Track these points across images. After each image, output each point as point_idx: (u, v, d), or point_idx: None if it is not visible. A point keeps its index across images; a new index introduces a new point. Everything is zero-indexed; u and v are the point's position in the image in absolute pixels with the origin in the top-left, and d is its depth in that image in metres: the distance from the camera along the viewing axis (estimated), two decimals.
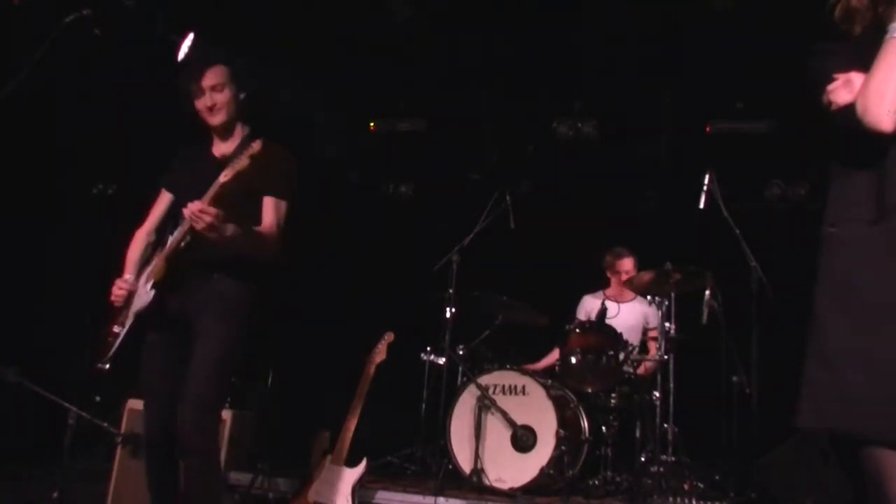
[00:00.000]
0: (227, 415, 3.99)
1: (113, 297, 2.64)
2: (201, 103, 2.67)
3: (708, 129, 5.74)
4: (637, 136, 5.97)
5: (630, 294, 4.95)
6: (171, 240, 2.58)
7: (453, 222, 5.05)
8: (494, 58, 5.40)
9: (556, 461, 3.93)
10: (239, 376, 4.57)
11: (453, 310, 4.43)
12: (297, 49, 5.21)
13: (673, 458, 4.14)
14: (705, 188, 4.28)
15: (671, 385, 4.18)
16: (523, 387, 4.15)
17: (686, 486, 4.01)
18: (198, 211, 2.33)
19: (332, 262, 6.27)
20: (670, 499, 3.83)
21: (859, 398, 1.54)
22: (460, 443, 4.14)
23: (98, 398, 3.42)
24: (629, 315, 4.83)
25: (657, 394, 4.21)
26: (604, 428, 4.35)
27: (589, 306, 5.06)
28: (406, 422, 4.67)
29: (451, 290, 4.45)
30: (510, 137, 6.22)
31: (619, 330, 4.43)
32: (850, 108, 1.58)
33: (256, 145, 2.34)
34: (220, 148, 2.76)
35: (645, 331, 4.96)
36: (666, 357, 4.23)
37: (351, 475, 3.55)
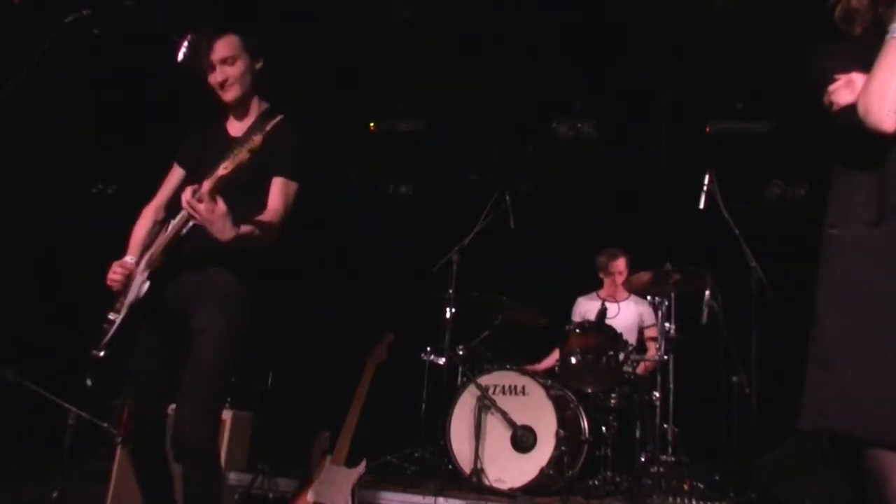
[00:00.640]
0: (227, 415, 3.99)
1: (108, 282, 2.51)
2: (213, 78, 2.54)
3: (708, 129, 5.74)
4: (637, 136, 5.97)
5: (624, 293, 4.96)
6: (170, 226, 2.46)
7: (453, 222, 5.05)
8: (494, 58, 5.40)
9: (555, 461, 3.93)
10: (239, 376, 4.57)
11: (453, 310, 4.43)
12: (297, 49, 5.20)
13: (673, 459, 4.15)
14: (705, 188, 4.28)
15: (671, 385, 4.19)
16: (523, 387, 4.15)
17: (686, 487, 4.01)
18: (193, 200, 2.19)
19: (332, 262, 6.27)
20: (670, 499, 3.83)
21: (860, 399, 1.54)
22: (460, 443, 4.14)
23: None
24: (625, 314, 4.84)
25: (657, 394, 4.22)
26: (604, 428, 4.35)
27: (584, 308, 5.07)
28: (406, 422, 4.67)
29: (451, 290, 4.45)
30: (510, 137, 6.22)
31: (617, 328, 4.44)
32: (851, 109, 1.58)
33: (257, 138, 2.21)
34: (235, 125, 2.64)
35: (641, 329, 4.96)
36: (666, 357, 4.23)
37: (351, 475, 3.55)
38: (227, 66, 2.53)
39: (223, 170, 2.22)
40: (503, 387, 4.18)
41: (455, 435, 4.17)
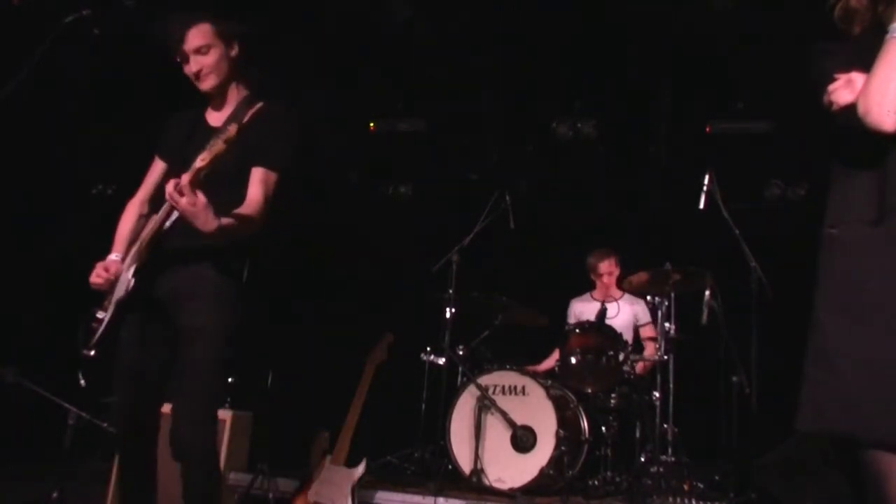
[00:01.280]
0: (227, 415, 3.99)
1: (92, 283, 2.45)
2: (188, 69, 2.46)
3: (708, 129, 5.74)
4: (637, 136, 5.97)
5: (618, 293, 4.96)
6: (154, 220, 2.41)
7: (453, 222, 5.05)
8: (494, 58, 5.40)
9: (555, 461, 3.93)
10: (239, 376, 4.57)
11: (453, 310, 4.43)
12: (297, 49, 5.21)
13: (672, 459, 4.14)
14: (705, 188, 4.28)
15: (671, 385, 4.19)
16: (523, 387, 4.15)
17: (686, 487, 4.00)
18: (175, 193, 2.14)
19: (332, 262, 6.28)
20: (670, 499, 3.83)
21: (859, 400, 1.54)
22: (460, 443, 4.14)
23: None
24: (621, 314, 4.85)
25: (657, 394, 4.22)
26: (603, 428, 4.35)
27: (578, 309, 5.07)
28: (406, 422, 4.67)
29: (450, 291, 4.45)
30: (510, 137, 6.22)
31: (616, 327, 4.44)
32: (851, 109, 1.58)
33: (232, 128, 2.15)
34: (215, 115, 2.58)
35: (636, 328, 4.97)
36: (666, 357, 4.23)
37: (350, 475, 3.55)
38: (202, 55, 2.46)
39: (200, 161, 2.18)
40: (503, 387, 4.18)
41: (455, 435, 4.17)
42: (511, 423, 4.05)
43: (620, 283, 4.85)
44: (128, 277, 2.40)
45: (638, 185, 6.17)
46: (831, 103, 1.63)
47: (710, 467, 4.37)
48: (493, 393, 4.15)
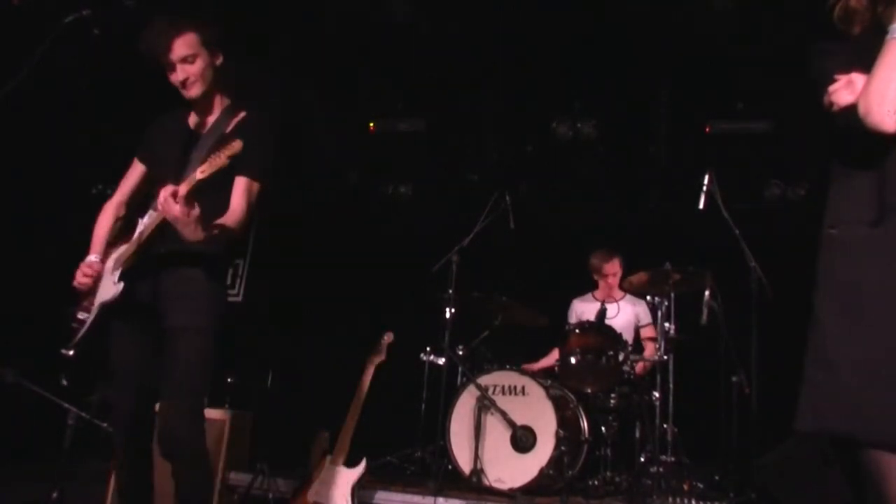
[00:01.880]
0: (226, 415, 4.00)
1: (77, 284, 2.51)
2: (174, 77, 2.48)
3: (708, 129, 5.74)
4: (637, 136, 5.97)
5: (619, 293, 4.96)
6: (141, 225, 2.45)
7: (453, 222, 5.05)
8: (494, 58, 5.40)
9: (555, 461, 3.93)
10: (239, 376, 4.57)
11: (453, 310, 4.43)
12: (297, 49, 5.21)
13: (672, 459, 4.14)
14: (705, 188, 4.28)
15: (671, 385, 4.19)
16: (523, 387, 4.15)
17: (685, 487, 4.01)
18: (170, 201, 2.17)
19: (332, 262, 6.27)
20: (670, 499, 3.83)
21: (859, 400, 1.54)
22: (460, 443, 4.14)
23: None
24: (622, 314, 4.86)
25: (657, 394, 4.22)
26: (603, 428, 4.35)
27: (579, 309, 5.08)
28: (406, 422, 4.67)
29: (450, 291, 4.45)
30: (510, 137, 6.22)
31: (616, 328, 4.44)
32: (851, 109, 1.58)
33: (237, 144, 2.18)
34: (198, 121, 2.60)
35: (637, 329, 4.97)
36: (666, 357, 4.23)
37: (350, 475, 3.55)
38: (188, 64, 2.48)
39: (200, 173, 2.21)
40: (503, 387, 4.18)
41: (455, 435, 4.17)
42: (511, 423, 4.05)
43: (621, 284, 4.85)
44: (113, 281, 2.44)
45: (638, 185, 6.17)
46: (831, 104, 1.63)
47: (710, 467, 4.37)
48: (493, 393, 4.15)
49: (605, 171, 6.13)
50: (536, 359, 5.00)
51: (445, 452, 4.16)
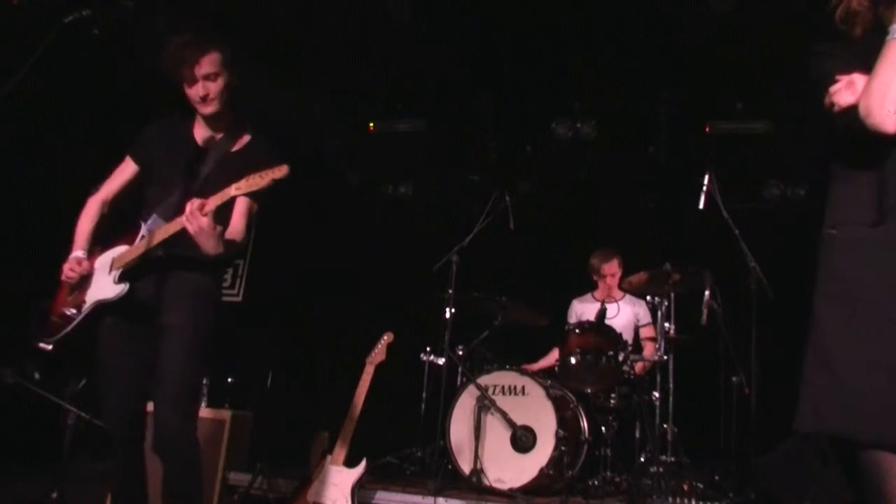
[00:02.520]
0: (226, 415, 4.00)
1: (65, 277, 2.53)
2: (193, 92, 2.53)
3: (707, 129, 5.74)
4: (637, 136, 5.97)
5: (619, 293, 4.97)
6: (145, 229, 2.47)
7: (453, 222, 5.05)
8: (494, 58, 5.40)
9: (555, 461, 3.93)
10: (239, 376, 4.57)
11: (453, 310, 4.43)
12: (296, 49, 5.21)
13: (672, 459, 4.14)
14: (705, 188, 4.28)
15: (671, 385, 4.18)
16: (523, 387, 4.15)
17: (685, 487, 4.00)
18: (197, 214, 2.24)
19: (332, 262, 6.27)
20: (669, 499, 3.83)
21: (858, 401, 1.54)
22: (460, 443, 4.14)
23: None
24: (622, 314, 4.86)
25: (657, 394, 4.22)
26: (603, 428, 4.35)
27: (579, 310, 5.08)
28: (406, 422, 4.67)
29: (450, 291, 4.45)
30: (510, 137, 6.22)
31: (616, 328, 4.44)
32: (852, 110, 1.58)
33: (282, 169, 2.23)
34: (204, 134, 2.65)
35: (636, 329, 4.97)
36: (666, 357, 4.23)
37: (350, 475, 3.55)
38: (210, 81, 2.54)
39: (236, 190, 2.27)
40: (503, 387, 4.18)
41: (455, 435, 4.17)
42: (511, 423, 4.05)
43: (620, 284, 4.86)
44: (113, 280, 2.46)
45: (638, 185, 6.17)
46: (832, 105, 1.63)
47: (710, 467, 4.37)
48: (493, 393, 4.15)
49: (605, 171, 6.13)
50: (536, 359, 5.00)
51: (445, 452, 4.16)
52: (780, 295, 4.25)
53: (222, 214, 2.43)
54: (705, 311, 4.09)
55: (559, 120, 5.92)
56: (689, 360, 4.36)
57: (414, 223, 6.42)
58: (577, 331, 4.44)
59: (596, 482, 4.18)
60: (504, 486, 3.94)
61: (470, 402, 4.16)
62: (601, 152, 6.02)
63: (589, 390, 4.33)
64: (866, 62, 1.59)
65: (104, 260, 2.55)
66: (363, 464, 3.58)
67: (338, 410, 3.83)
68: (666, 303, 4.30)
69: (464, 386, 4.28)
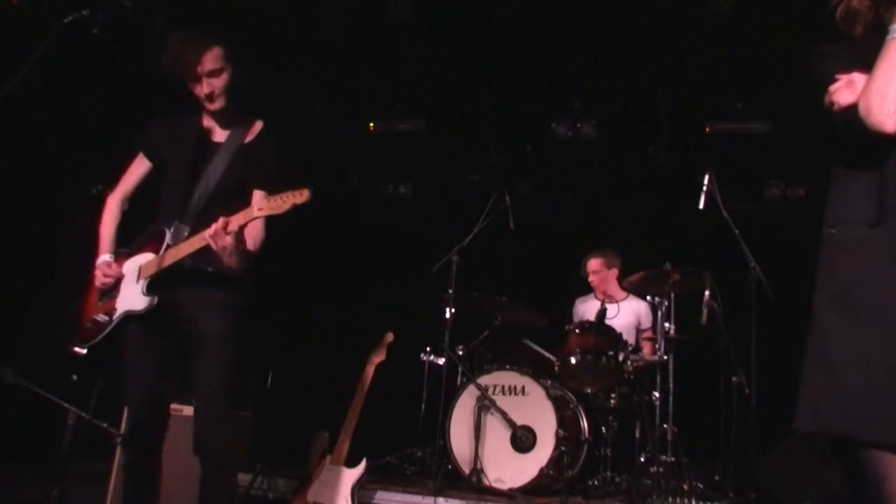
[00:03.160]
0: None
1: (100, 284, 2.56)
2: (199, 90, 2.56)
3: (707, 129, 5.74)
4: (637, 136, 5.97)
5: (622, 293, 4.97)
6: (169, 237, 2.49)
7: (453, 222, 5.05)
8: (494, 58, 5.40)
9: (555, 461, 3.93)
10: (239, 376, 4.56)
11: (453, 310, 4.43)
12: (296, 49, 5.21)
13: (672, 459, 4.14)
14: (705, 188, 4.28)
15: (671, 385, 4.19)
16: (523, 387, 4.15)
17: (685, 487, 4.00)
18: (222, 233, 2.29)
19: (332, 262, 6.27)
20: (669, 499, 3.83)
21: (858, 401, 1.54)
22: (460, 443, 4.14)
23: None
24: (624, 314, 4.86)
25: (657, 394, 4.22)
26: (603, 428, 4.35)
27: (581, 309, 5.09)
28: (406, 422, 4.67)
29: (450, 291, 4.45)
30: (510, 137, 6.22)
31: (616, 328, 4.44)
32: (852, 110, 1.58)
33: (304, 194, 2.29)
34: (214, 129, 2.67)
35: (638, 330, 4.97)
36: (666, 357, 4.23)
37: (350, 475, 3.55)
38: (214, 77, 2.55)
39: (258, 211, 2.32)
40: (503, 387, 4.18)
41: (455, 435, 4.17)
42: (511, 423, 4.05)
43: (621, 284, 4.86)
44: (141, 291, 2.49)
45: (638, 185, 6.17)
46: (832, 104, 1.63)
47: (710, 467, 4.37)
48: (493, 393, 4.15)
49: (605, 171, 6.13)
50: (536, 360, 4.99)
51: (445, 452, 4.16)
52: (780, 295, 4.25)
53: (233, 203, 2.45)
54: (705, 311, 4.09)
55: (559, 120, 5.92)
56: (689, 360, 4.36)
57: (414, 223, 6.41)
58: (577, 331, 4.45)
59: (596, 482, 4.18)
60: (504, 486, 3.94)
61: (470, 402, 4.16)
62: (601, 152, 6.02)
63: (589, 390, 4.33)
64: (867, 62, 1.59)
65: (131, 266, 2.57)
66: (363, 464, 3.58)
67: (338, 410, 3.83)
68: (666, 303, 4.30)
69: (464, 386, 4.28)
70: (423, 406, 4.58)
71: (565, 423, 4.04)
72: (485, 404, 4.11)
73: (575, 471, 4.03)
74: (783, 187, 5.90)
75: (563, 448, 3.94)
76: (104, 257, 2.60)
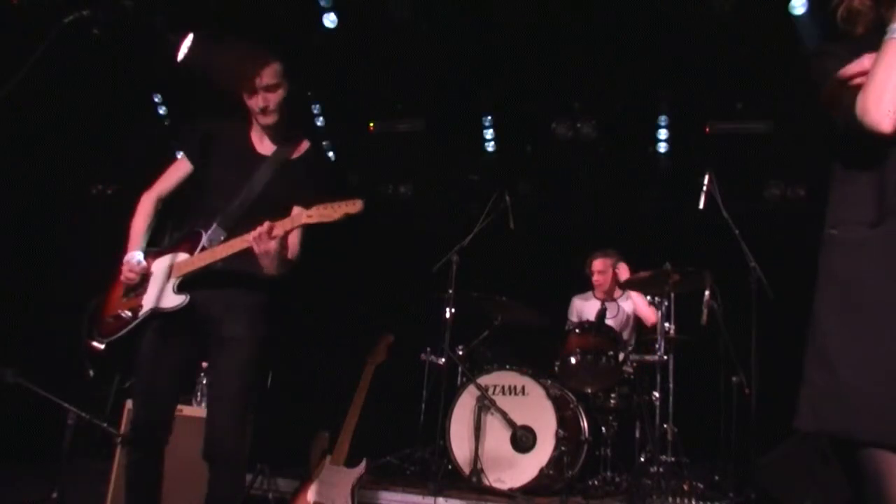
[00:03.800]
0: None
1: (125, 279, 2.54)
2: (254, 102, 2.56)
3: (707, 129, 5.74)
4: (637, 136, 5.96)
5: (618, 291, 4.99)
6: (206, 239, 2.49)
7: (453, 222, 5.04)
8: (494, 58, 5.40)
9: (555, 461, 3.93)
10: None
11: (453, 310, 4.43)
12: (296, 49, 5.20)
13: (672, 459, 4.14)
14: (705, 188, 4.29)
15: (671, 385, 4.18)
16: (523, 387, 4.15)
17: (685, 487, 4.01)
18: (266, 237, 2.30)
19: (332, 262, 6.27)
20: (669, 499, 3.83)
21: (858, 400, 1.54)
22: (460, 443, 4.14)
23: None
24: (622, 312, 4.87)
25: (657, 394, 4.22)
26: (603, 428, 4.35)
27: (579, 307, 5.09)
28: (406, 422, 4.67)
29: (450, 291, 4.45)
30: (510, 137, 6.22)
31: (615, 327, 4.45)
32: (850, 110, 1.58)
33: (357, 204, 2.28)
34: (263, 143, 2.67)
35: (637, 319, 4.98)
36: (666, 357, 4.23)
37: (350, 475, 3.55)
38: (271, 92, 2.56)
39: (307, 218, 2.32)
40: (503, 387, 4.18)
41: (455, 435, 4.17)
42: (511, 423, 4.05)
43: (621, 284, 4.86)
44: (172, 289, 2.48)
45: (638, 185, 6.17)
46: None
47: (710, 467, 4.37)
48: (493, 393, 4.15)
49: (605, 171, 6.13)
50: (537, 360, 4.98)
51: (445, 452, 4.16)
52: (780, 295, 4.24)
53: (275, 216, 2.44)
54: (705, 311, 4.09)
55: (559, 120, 5.92)
56: (689, 360, 4.35)
57: (414, 223, 6.41)
58: (577, 331, 4.45)
59: (596, 482, 4.19)
60: (504, 486, 3.94)
61: (470, 402, 4.16)
62: (601, 152, 6.02)
63: (589, 390, 4.34)
64: None
65: (161, 265, 2.55)
66: (363, 464, 3.58)
67: (338, 410, 3.83)
68: (666, 303, 4.30)
69: (464, 386, 4.28)
70: (423, 406, 4.58)
71: (565, 423, 4.04)
72: (485, 404, 4.11)
73: (575, 471, 4.03)
74: (783, 187, 5.89)
75: (563, 448, 3.94)
76: (133, 253, 2.58)
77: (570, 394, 4.30)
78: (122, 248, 2.66)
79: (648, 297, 4.79)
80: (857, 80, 1.59)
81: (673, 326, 4.27)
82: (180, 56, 4.38)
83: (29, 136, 5.13)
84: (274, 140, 2.67)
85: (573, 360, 4.33)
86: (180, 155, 2.73)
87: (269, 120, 2.60)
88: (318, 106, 6.07)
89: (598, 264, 5.03)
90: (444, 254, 4.56)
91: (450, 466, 4.12)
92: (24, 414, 4.11)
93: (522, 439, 4.03)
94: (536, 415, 4.03)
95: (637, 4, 4.78)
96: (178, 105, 5.90)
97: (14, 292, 5.19)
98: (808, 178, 5.82)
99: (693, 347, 4.32)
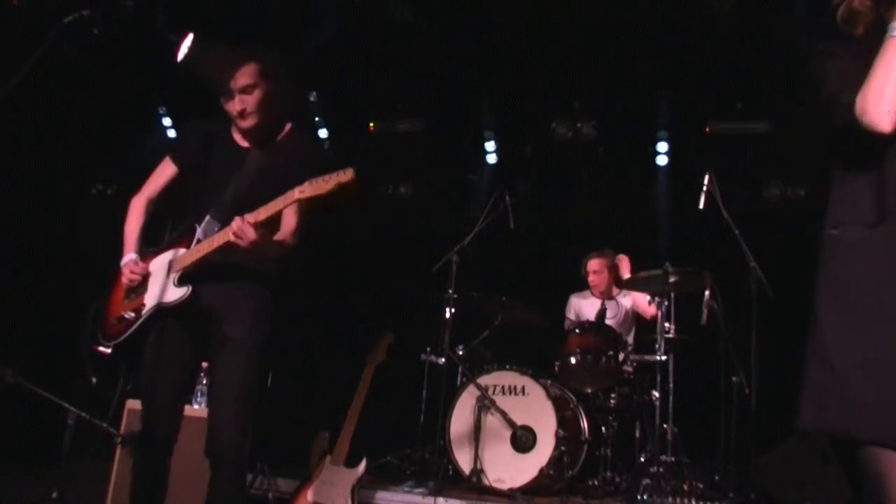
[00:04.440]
0: None
1: (128, 281, 2.53)
2: (231, 107, 2.53)
3: (707, 129, 5.74)
4: (637, 136, 5.97)
5: (616, 290, 4.99)
6: (200, 232, 2.48)
7: (453, 222, 5.04)
8: (494, 58, 5.40)
9: (555, 461, 3.93)
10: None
11: (453, 310, 4.43)
12: (296, 50, 5.21)
13: (672, 459, 4.14)
14: (704, 189, 4.28)
15: (671, 385, 4.18)
16: (523, 387, 4.15)
17: (685, 487, 4.00)
18: (245, 227, 2.28)
19: (332, 262, 6.27)
20: (669, 499, 3.83)
21: (859, 399, 1.54)
22: (460, 443, 4.14)
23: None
24: (621, 310, 4.88)
25: (657, 394, 4.21)
26: (603, 428, 4.35)
27: (577, 305, 5.10)
28: (406, 422, 4.67)
29: (450, 291, 4.45)
30: (510, 137, 6.22)
31: (615, 326, 4.45)
32: (850, 109, 1.58)
33: (346, 174, 2.23)
34: (246, 144, 2.64)
35: (637, 316, 4.98)
36: (665, 357, 4.23)
37: (350, 475, 3.55)
38: (246, 94, 2.51)
39: (300, 193, 2.26)
40: (503, 387, 4.18)
41: (455, 435, 4.17)
42: (511, 423, 4.05)
43: (620, 283, 4.87)
44: (173, 283, 2.46)
45: (638, 185, 6.17)
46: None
47: (710, 467, 4.37)
48: (493, 393, 4.15)
49: (605, 171, 6.13)
50: (536, 359, 4.98)
51: (445, 452, 4.16)
52: (780, 295, 4.24)
53: (273, 220, 2.43)
54: (705, 311, 4.09)
55: (559, 120, 5.92)
56: (689, 360, 4.35)
57: (414, 223, 6.41)
58: (577, 331, 4.45)
59: (596, 482, 4.19)
60: (504, 486, 3.94)
61: (470, 402, 4.15)
62: (601, 152, 6.02)
63: (589, 390, 4.34)
64: (868, 62, 1.59)
65: (160, 262, 2.54)
66: (363, 464, 3.58)
67: (338, 410, 3.83)
68: (666, 303, 4.29)
69: (464, 386, 4.28)
70: (423, 406, 4.58)
71: (565, 423, 4.04)
72: (485, 404, 4.11)
73: (575, 471, 4.03)
74: (783, 187, 5.89)
75: (563, 448, 3.94)
76: (130, 256, 2.58)
77: (570, 394, 4.30)
78: (120, 249, 2.66)
79: (648, 298, 4.79)
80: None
81: (673, 326, 4.26)
82: (180, 56, 4.39)
83: (29, 136, 5.13)
84: (257, 142, 2.63)
85: (573, 360, 4.32)
86: (165, 157, 2.73)
87: (248, 123, 2.55)
88: (318, 106, 6.07)
89: (593, 264, 5.03)
90: (444, 254, 4.56)
91: (450, 466, 4.12)
92: (24, 414, 4.10)
93: (522, 439, 4.02)
94: (536, 415, 4.03)
95: (637, 4, 4.78)
96: (178, 105, 5.91)
97: (14, 292, 5.19)
98: (808, 178, 5.82)
99: (693, 347, 4.32)
